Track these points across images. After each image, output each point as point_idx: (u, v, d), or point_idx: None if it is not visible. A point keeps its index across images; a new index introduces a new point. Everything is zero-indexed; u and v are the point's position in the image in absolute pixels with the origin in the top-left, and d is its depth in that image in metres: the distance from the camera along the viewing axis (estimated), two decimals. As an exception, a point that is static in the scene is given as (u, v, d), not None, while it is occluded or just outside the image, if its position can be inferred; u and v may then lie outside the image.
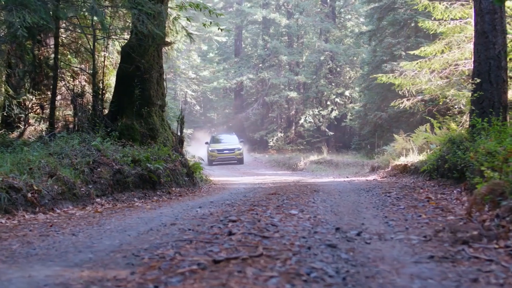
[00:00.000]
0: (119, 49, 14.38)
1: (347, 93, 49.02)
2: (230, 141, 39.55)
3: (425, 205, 8.28)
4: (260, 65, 52.96)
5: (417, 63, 18.60)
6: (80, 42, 14.03)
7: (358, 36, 41.70)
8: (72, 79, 13.55)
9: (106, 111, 13.40)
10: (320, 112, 49.53)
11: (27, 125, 13.13)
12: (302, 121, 49.93)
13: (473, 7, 12.91)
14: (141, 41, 12.34)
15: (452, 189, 10.75)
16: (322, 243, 4.95)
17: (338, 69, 50.18)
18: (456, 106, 17.79)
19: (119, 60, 13.68)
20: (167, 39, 13.44)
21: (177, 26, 12.36)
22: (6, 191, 7.88)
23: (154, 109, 13.48)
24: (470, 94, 16.28)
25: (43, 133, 12.83)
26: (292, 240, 5.07)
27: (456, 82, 17.69)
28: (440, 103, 18.36)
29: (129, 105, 13.07)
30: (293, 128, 51.49)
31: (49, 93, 13.66)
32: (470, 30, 17.68)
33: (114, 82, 13.79)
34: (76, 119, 12.91)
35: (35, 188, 8.52)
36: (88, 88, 13.42)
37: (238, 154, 37.70)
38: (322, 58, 49.27)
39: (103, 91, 13.14)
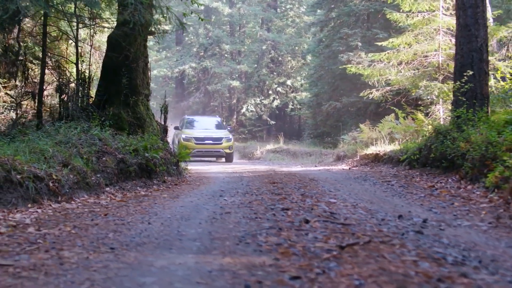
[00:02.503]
0: (103, 38, 14.25)
1: (289, 82, 49.38)
2: (213, 127, 27.43)
3: (439, 194, 8.55)
4: (202, 53, 52.80)
5: (385, 54, 19.00)
6: (57, 30, 13.81)
7: (310, 26, 41.97)
8: (57, 68, 13.34)
9: (91, 100, 13.28)
10: (262, 101, 49.77)
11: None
12: (244, 110, 50.06)
13: (455, 1, 13.29)
14: (133, 30, 12.26)
15: (443, 177, 11.05)
16: (408, 229, 5.13)
17: (280, 58, 50.48)
18: (428, 97, 18.25)
19: (105, 49, 13.53)
20: (153, 28, 13.35)
21: (171, 15, 12.29)
22: (32, 181, 7.82)
23: (140, 98, 13.44)
24: (441, 85, 16.83)
25: (23, 122, 12.60)
26: (374, 227, 5.25)
27: (427, 73, 18.15)
28: (413, 94, 18.83)
29: (116, 94, 12.99)
30: (235, 117, 51.61)
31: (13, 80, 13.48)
32: (438, 23, 18.20)
33: (100, 71, 13.64)
34: (62, 108, 12.73)
35: (54, 177, 8.46)
36: (73, 77, 13.24)
37: (227, 146, 25.17)
38: (264, 47, 49.49)
39: (90, 80, 13.00)
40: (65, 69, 13.41)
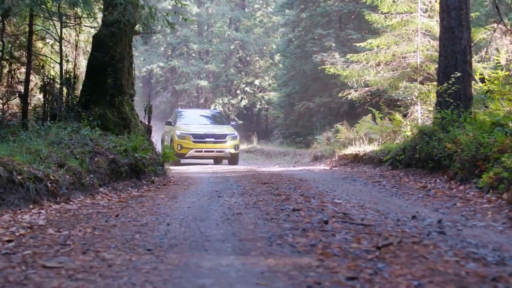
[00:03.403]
0: (85, 37, 14.16)
1: (257, 82, 49.47)
2: (214, 122, 23.57)
3: (435, 194, 8.67)
4: (170, 52, 52.62)
5: (364, 55, 19.18)
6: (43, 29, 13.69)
7: (278, 26, 42.03)
8: (41, 68, 13.21)
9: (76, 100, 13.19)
10: (230, 101, 49.79)
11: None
12: (211, 109, 50.03)
13: (439, 3, 13.48)
14: (120, 29, 12.22)
15: (430, 178, 11.19)
16: (430, 230, 5.22)
17: (248, 58, 50.54)
18: (408, 98, 18.46)
19: (90, 48, 13.46)
20: (141, 28, 13.31)
21: (159, 15, 12.27)
22: (32, 181, 7.78)
23: (126, 98, 13.39)
24: (421, 86, 17.06)
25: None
26: (395, 228, 5.32)
27: (406, 74, 18.36)
28: (393, 94, 19.02)
29: (101, 94, 12.92)
30: (203, 116, 51.47)
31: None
32: (416, 24, 18.42)
33: (85, 71, 13.55)
34: (47, 107, 12.63)
35: (52, 178, 8.42)
36: (57, 77, 13.13)
37: (232, 146, 21.00)
38: (232, 47, 49.51)
39: (75, 80, 12.91)
40: (49, 68, 13.25)
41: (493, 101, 13.98)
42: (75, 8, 12.52)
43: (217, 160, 23.20)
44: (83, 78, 13.69)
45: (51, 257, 4.10)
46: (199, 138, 20.63)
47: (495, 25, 16.30)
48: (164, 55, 52.88)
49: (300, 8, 32.47)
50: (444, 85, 12.47)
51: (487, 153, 9.24)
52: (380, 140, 17.86)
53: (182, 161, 21.80)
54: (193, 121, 22.78)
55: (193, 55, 52.45)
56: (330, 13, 29.59)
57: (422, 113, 17.89)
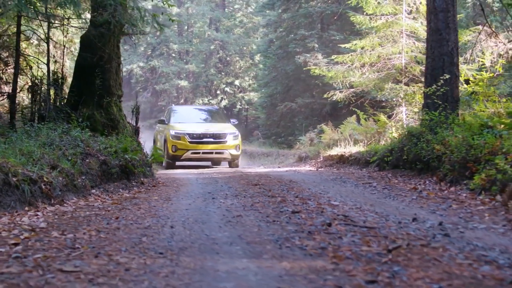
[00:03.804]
0: (71, 37, 14.10)
1: (237, 82, 49.45)
2: (212, 120, 21.37)
3: (428, 196, 8.74)
4: (150, 52, 52.46)
5: (349, 56, 19.26)
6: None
7: (258, 26, 42.00)
8: (29, 68, 13.14)
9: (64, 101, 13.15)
10: (210, 101, 49.70)
11: None
12: (191, 110, 49.89)
13: (426, 5, 13.58)
14: (109, 30, 12.19)
15: (419, 179, 11.26)
16: (434, 232, 5.27)
17: (228, 58, 50.49)
18: (394, 99, 18.58)
19: (78, 49, 13.41)
20: (131, 29, 13.29)
21: (148, 16, 12.25)
22: (27, 183, 7.75)
23: (114, 99, 13.36)
24: (406, 87, 17.18)
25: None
26: (399, 230, 5.37)
27: (391, 75, 18.48)
28: (379, 96, 19.12)
29: (89, 95, 12.89)
30: (183, 116, 51.36)
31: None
32: (401, 26, 18.54)
33: (73, 72, 13.50)
34: (35, 108, 12.56)
35: (45, 179, 8.39)
36: (45, 77, 13.07)
37: (233, 146, 18.89)
38: (212, 47, 49.44)
39: (62, 80, 12.85)
40: (37, 69, 13.18)
41: (478, 103, 14.11)
42: (62, 8, 12.44)
43: (216, 163, 21.14)
44: (70, 78, 13.61)
45: (64, 261, 4.10)
46: (196, 138, 18.49)
47: (480, 27, 16.45)
48: (144, 55, 52.72)
49: (282, 9, 32.47)
50: (433, 87, 12.55)
51: (478, 154, 9.31)
52: (365, 142, 17.94)
53: (176, 163, 19.49)
54: (189, 119, 20.44)
55: (173, 55, 52.35)
56: (313, 14, 29.63)
57: (407, 114, 18.00)
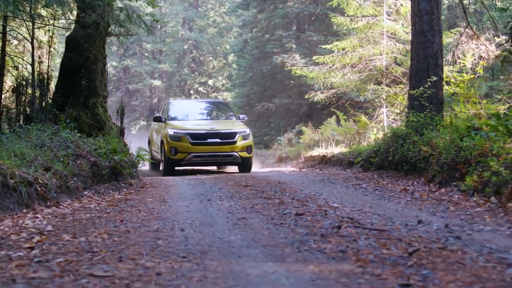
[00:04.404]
0: (49, 36, 14.01)
1: (210, 82, 49.45)
2: (219, 117, 18.49)
3: (421, 197, 8.82)
4: (123, 52, 52.18)
5: (330, 57, 19.37)
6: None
7: (232, 26, 41.96)
8: (15, 68, 13.01)
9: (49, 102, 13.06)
10: (183, 100, 49.63)
11: None
12: (165, 109, 49.74)
13: (411, 7, 13.72)
14: (96, 31, 12.14)
15: (406, 180, 11.36)
16: (445, 235, 5.34)
17: (202, 58, 50.48)
18: (376, 100, 18.73)
19: (64, 50, 13.33)
20: (117, 30, 13.25)
21: (136, 17, 12.22)
22: (25, 186, 7.72)
23: (99, 100, 13.30)
24: (389, 88, 17.33)
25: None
26: (409, 232, 5.43)
27: (374, 76, 18.62)
28: (360, 97, 19.26)
29: (75, 96, 12.84)
30: (156, 116, 51.18)
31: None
32: (382, 27, 18.70)
33: (58, 72, 13.41)
34: (20, 109, 12.46)
35: (41, 181, 8.35)
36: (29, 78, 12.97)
37: (244, 147, 16.11)
38: (185, 47, 49.43)
39: (48, 81, 12.76)
40: (23, 70, 13.06)
41: (459, 104, 14.29)
42: (48, 8, 12.35)
43: (221, 166, 18.69)
44: (54, 79, 13.52)
45: (89, 265, 4.10)
46: (200, 138, 15.69)
47: (462, 29, 16.65)
48: (117, 55, 52.43)
49: (258, 9, 32.51)
50: (420, 88, 12.67)
51: (467, 156, 9.41)
52: (347, 142, 18.06)
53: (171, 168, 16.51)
54: (190, 115, 17.66)
55: (146, 54, 52.14)
56: (290, 14, 29.72)
57: (388, 116, 18.16)
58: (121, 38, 13.24)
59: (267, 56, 30.53)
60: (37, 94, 12.50)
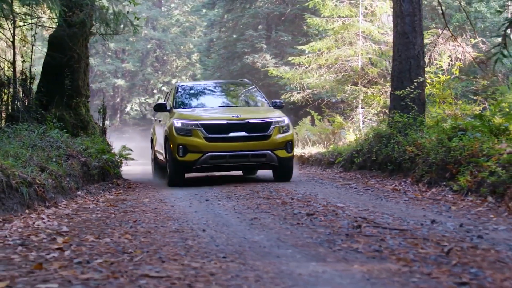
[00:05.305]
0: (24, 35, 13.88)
1: (173, 81, 49.27)
2: (245, 103, 13.60)
3: (416, 197, 8.93)
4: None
5: (305, 58, 19.48)
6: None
7: (208, 26, 41.94)
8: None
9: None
10: (147, 100, 49.42)
11: None
12: (128, 109, 49.50)
13: (393, 8, 13.87)
14: (80, 30, 12.06)
15: (392, 180, 11.49)
16: (467, 235, 5.43)
17: (165, 57, 50.29)
18: (354, 101, 18.89)
19: (46, 49, 13.20)
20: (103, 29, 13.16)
21: (122, 16, 12.15)
22: (25, 186, 7.66)
23: (82, 99, 13.19)
24: (366, 89, 17.51)
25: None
26: (430, 232, 5.51)
27: (351, 77, 18.78)
28: (338, 97, 19.40)
29: (59, 96, 12.72)
30: (119, 116, 50.89)
31: None
32: (358, 28, 18.87)
33: (41, 72, 13.27)
34: (2, 108, 12.30)
35: (38, 182, 8.29)
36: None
37: (282, 144, 11.55)
38: (149, 46, 49.16)
39: (31, 81, 12.61)
40: (4, 69, 12.88)
41: (434, 105, 14.52)
42: (28, 6, 12.21)
43: (249, 171, 13.97)
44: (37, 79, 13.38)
45: (134, 266, 4.09)
46: (219, 131, 11.33)
47: (439, 30, 16.90)
48: (79, 53, 51.84)
49: (226, 9, 32.51)
50: (406, 89, 12.80)
51: (457, 156, 9.54)
52: (324, 143, 18.18)
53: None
54: (205, 101, 13.32)
55: (109, 53, 51.69)
56: (260, 14, 29.78)
57: (364, 116, 18.33)
58: (106, 38, 13.07)
59: (236, 56, 30.55)
60: (20, 94, 12.30)
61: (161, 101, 15.99)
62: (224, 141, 11.27)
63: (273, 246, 4.91)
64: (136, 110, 49.15)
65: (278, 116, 11.80)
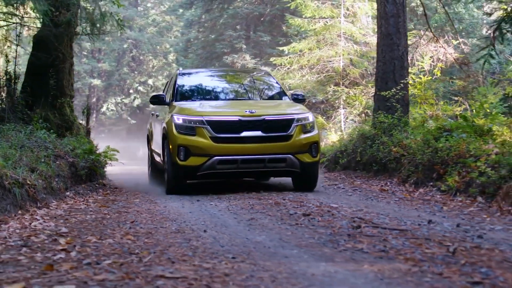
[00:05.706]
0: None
1: (150, 81, 49.13)
2: (259, 95, 11.39)
3: (405, 197, 9.01)
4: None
5: (287, 59, 19.54)
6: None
7: (186, 26, 41.80)
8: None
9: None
10: (123, 100, 49.20)
11: None
12: (104, 109, 49.25)
13: (377, 10, 13.95)
14: (67, 30, 12.01)
15: (378, 180, 11.58)
16: (467, 235, 5.50)
17: (141, 57, 50.10)
18: (336, 101, 18.97)
19: (31, 49, 13.11)
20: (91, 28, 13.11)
21: (109, 16, 12.13)
22: (18, 187, 7.62)
23: (67, 100, 13.13)
24: (348, 89, 17.61)
25: None
26: (430, 232, 5.57)
27: (333, 78, 18.87)
28: (320, 98, 19.47)
29: (43, 96, 12.64)
30: (95, 116, 50.56)
31: None
32: (339, 29, 18.97)
33: (25, 71, 13.18)
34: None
35: (29, 182, 8.24)
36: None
37: (306, 145, 9.57)
38: (125, 46, 48.94)
39: (16, 80, 12.51)
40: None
41: (416, 106, 14.64)
42: (12, 6, 12.13)
43: (264, 177, 11.75)
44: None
45: (145, 267, 4.09)
46: (228, 130, 9.48)
47: (421, 32, 17.05)
48: (55, 53, 51.47)
49: (205, 9, 32.48)
50: (391, 90, 12.88)
51: (444, 157, 9.62)
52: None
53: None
54: (211, 93, 11.33)
55: (85, 53, 51.32)
56: (240, 15, 29.81)
57: (346, 117, 18.43)
58: (92, 37, 13.01)
59: (215, 57, 30.55)
60: (4, 93, 12.21)
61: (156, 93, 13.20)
62: (235, 142, 9.40)
63: (277, 247, 4.93)
64: (112, 110, 48.87)
65: (300, 112, 9.89)
